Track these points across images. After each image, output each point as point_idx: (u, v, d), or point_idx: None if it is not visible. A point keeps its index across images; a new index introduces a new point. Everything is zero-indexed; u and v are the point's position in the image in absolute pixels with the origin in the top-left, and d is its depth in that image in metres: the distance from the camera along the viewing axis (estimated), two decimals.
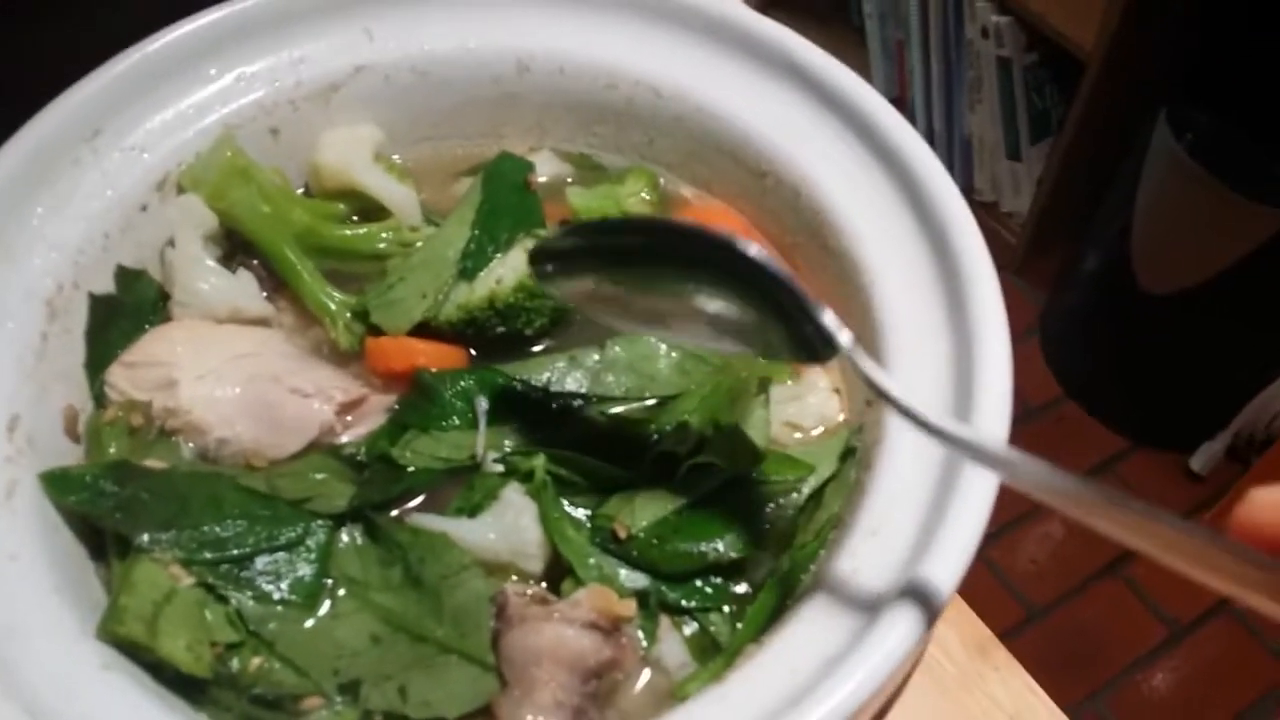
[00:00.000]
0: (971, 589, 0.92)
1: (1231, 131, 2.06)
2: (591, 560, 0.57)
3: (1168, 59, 2.20)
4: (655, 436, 0.60)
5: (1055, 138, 2.56)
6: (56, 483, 0.55)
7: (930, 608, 0.48)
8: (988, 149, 2.76)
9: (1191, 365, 2.34)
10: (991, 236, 2.77)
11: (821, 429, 0.63)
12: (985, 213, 2.80)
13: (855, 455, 0.59)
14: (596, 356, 0.63)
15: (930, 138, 2.82)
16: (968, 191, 2.85)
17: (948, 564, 0.49)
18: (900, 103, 2.45)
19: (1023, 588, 2.30)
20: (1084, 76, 2.34)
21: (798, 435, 0.63)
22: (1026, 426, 2.52)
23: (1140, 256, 2.30)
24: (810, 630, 0.50)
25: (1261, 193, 1.99)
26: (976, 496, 0.51)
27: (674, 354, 0.63)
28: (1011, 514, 2.40)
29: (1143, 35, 2.23)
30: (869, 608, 0.50)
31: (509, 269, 0.64)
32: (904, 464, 0.55)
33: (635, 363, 0.63)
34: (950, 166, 2.84)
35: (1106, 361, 2.52)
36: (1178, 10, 2.16)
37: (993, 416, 0.53)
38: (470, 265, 0.65)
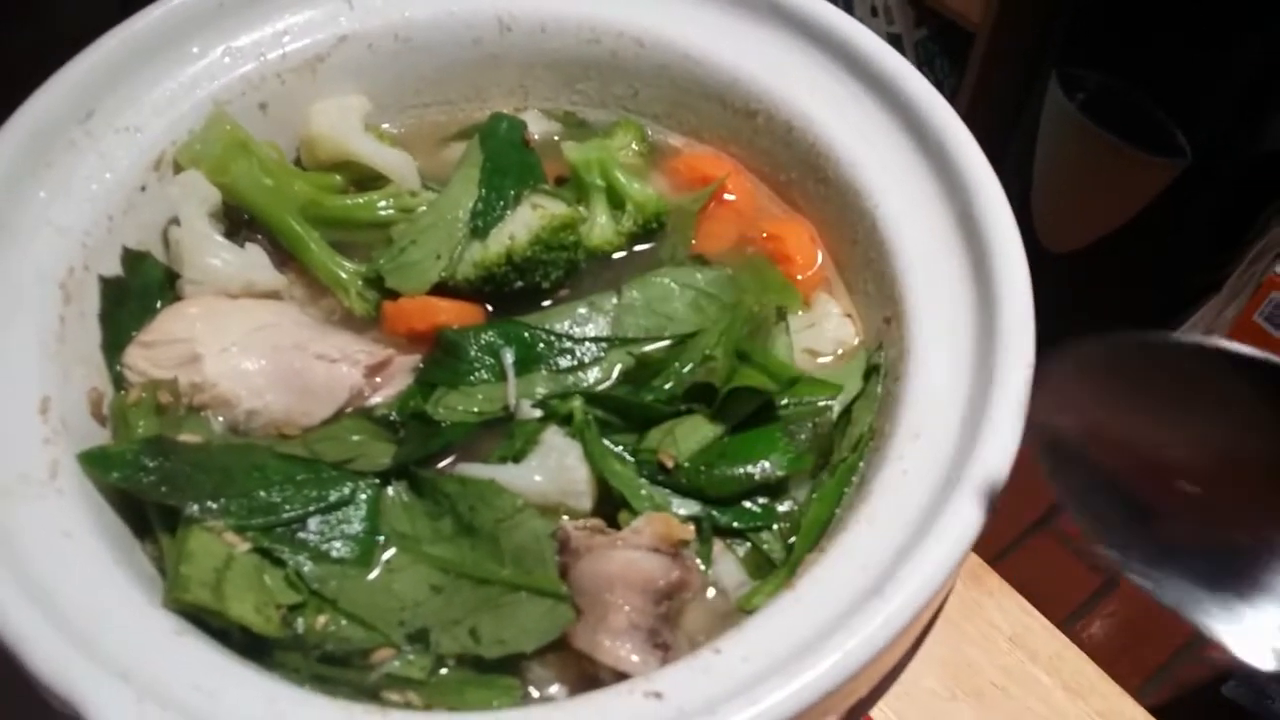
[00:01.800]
0: None
1: (1121, 87, 2.14)
2: (643, 490, 0.58)
3: (1054, 22, 2.28)
4: (684, 371, 0.61)
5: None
6: (97, 461, 0.54)
7: (988, 490, 0.50)
8: None
9: (1094, 321, 2.42)
10: None
11: (840, 352, 0.65)
12: None
13: (880, 371, 0.61)
14: (614, 300, 0.64)
15: None
16: None
17: (997, 449, 0.51)
18: None
19: None
20: (973, 47, 2.42)
21: (819, 360, 0.65)
22: None
23: (1041, 217, 2.37)
24: (872, 529, 0.52)
25: (1154, 145, 2.07)
26: (1013, 386, 0.53)
27: (689, 293, 0.65)
28: None
29: (1026, 2, 2.30)
30: (927, 502, 0.52)
31: (520, 224, 0.65)
32: (934, 370, 0.57)
33: (652, 303, 0.64)
34: None
35: None
36: None
37: (1019, 322, 0.55)
38: (481, 224, 0.65)
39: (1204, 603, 0.40)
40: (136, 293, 0.63)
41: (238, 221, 0.67)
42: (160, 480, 0.54)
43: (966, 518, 0.49)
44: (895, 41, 2.63)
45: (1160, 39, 2.07)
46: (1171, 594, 0.41)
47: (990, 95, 2.48)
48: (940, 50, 2.69)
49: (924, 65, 2.69)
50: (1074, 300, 2.39)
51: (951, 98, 2.59)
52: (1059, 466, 0.43)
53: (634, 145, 0.73)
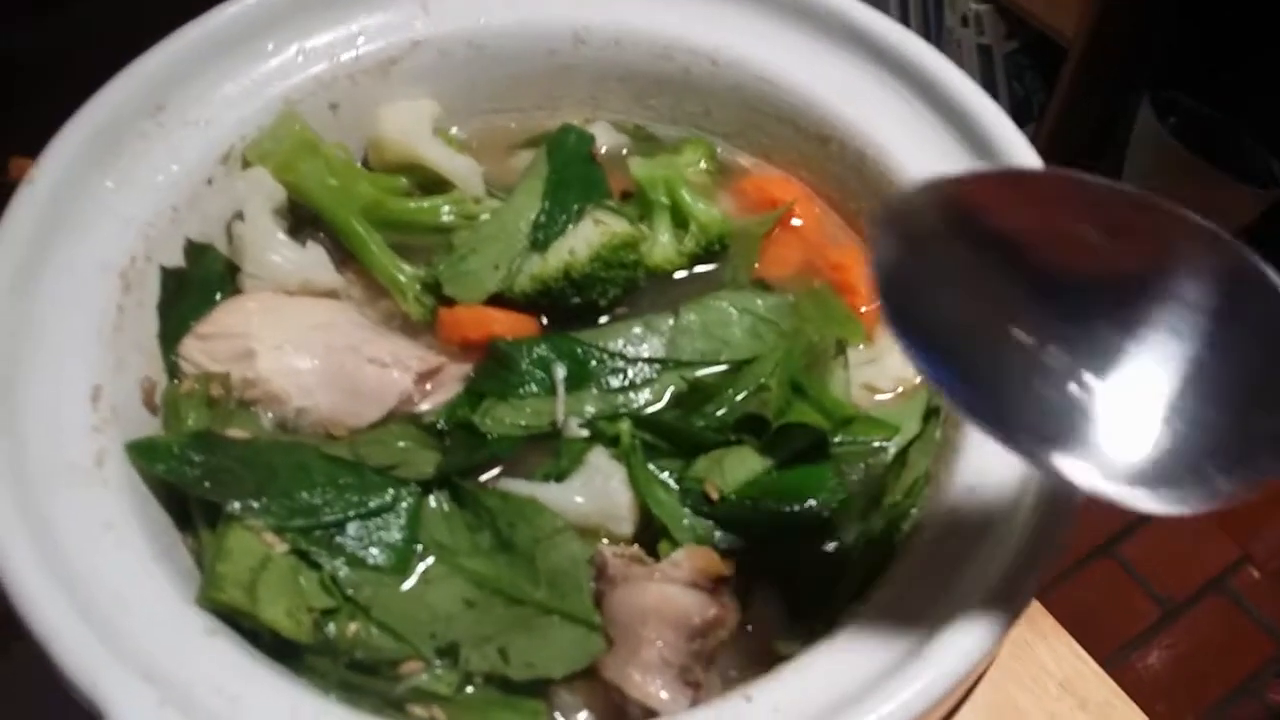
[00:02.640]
0: None
1: (1214, 114, 2.09)
2: (686, 521, 0.57)
3: (1149, 44, 2.22)
4: (737, 399, 0.60)
5: (1036, 124, 2.59)
6: (144, 452, 0.54)
7: (1045, 555, 0.49)
8: None
9: None
10: None
11: (900, 390, 0.63)
12: None
13: (940, 414, 0.60)
14: (670, 322, 0.63)
15: None
16: None
17: (1058, 509, 0.50)
18: None
19: None
20: (1065, 63, 2.36)
21: (877, 397, 0.63)
22: None
23: None
24: (921, 584, 0.50)
25: (1246, 173, 2.02)
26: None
27: (747, 318, 0.63)
28: None
29: (1123, 20, 2.25)
30: (976, 561, 0.50)
31: (581, 239, 0.64)
32: None
33: (709, 327, 0.63)
34: None
35: None
36: None
37: None
38: (542, 237, 0.65)
39: (1049, 448, 0.40)
40: (197, 284, 0.63)
41: (302, 219, 0.67)
42: (205, 475, 0.55)
43: (1019, 584, 0.47)
44: (985, 53, 2.58)
45: (1256, 66, 2.01)
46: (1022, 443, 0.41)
47: (1079, 113, 2.43)
48: (1030, 64, 2.63)
49: (1013, 79, 2.64)
50: None
51: (1039, 113, 2.55)
52: (900, 309, 0.41)
53: (702, 163, 0.72)
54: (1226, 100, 2.06)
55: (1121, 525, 2.38)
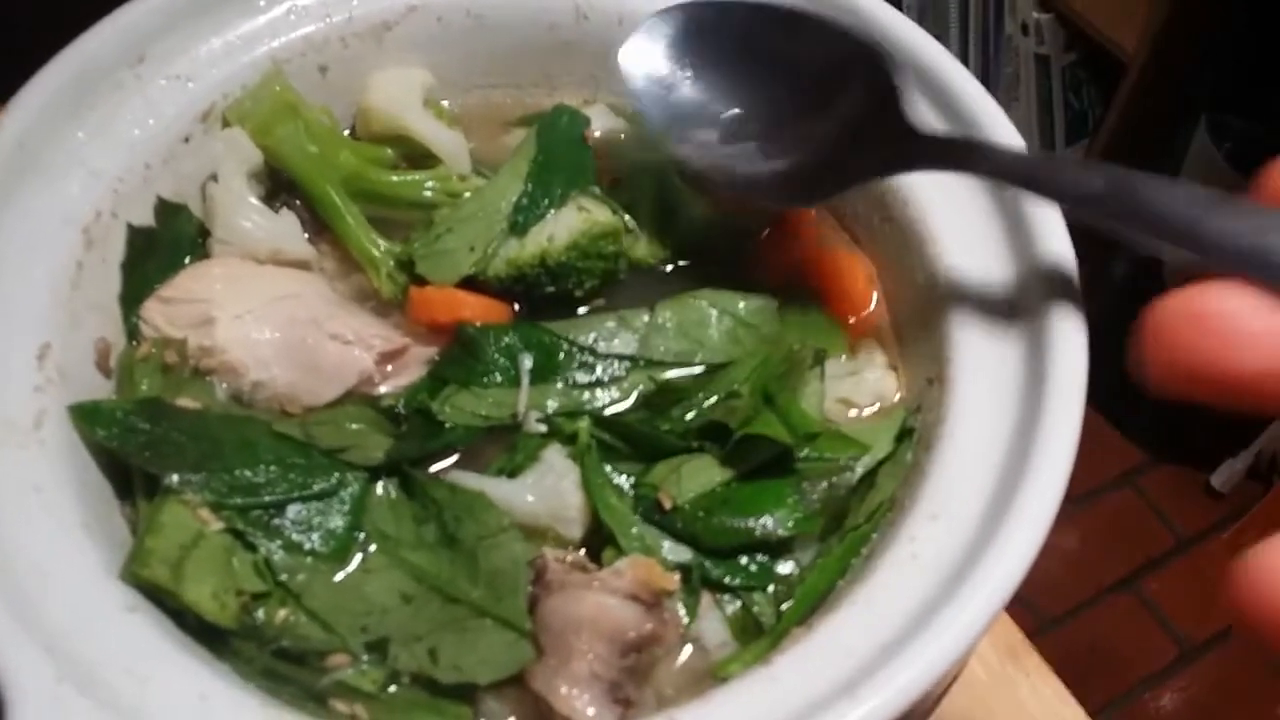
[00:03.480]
0: None
1: (1271, 140, 2.02)
2: (634, 530, 0.54)
3: (1209, 65, 2.17)
4: (705, 404, 0.57)
5: (1091, 139, 2.53)
6: (87, 416, 0.53)
7: (994, 597, 0.46)
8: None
9: None
10: None
11: (877, 407, 0.61)
12: None
13: (913, 436, 0.57)
14: (645, 319, 0.61)
15: None
16: None
17: (1014, 553, 0.47)
18: None
19: (1035, 597, 2.28)
20: (1123, 79, 2.31)
21: (852, 412, 0.61)
22: None
23: (1173, 265, 2.27)
24: (864, 615, 0.48)
25: None
26: (1046, 481, 0.48)
27: (726, 320, 0.61)
28: None
29: (1185, 40, 2.20)
30: (930, 596, 0.47)
31: (562, 226, 0.62)
32: (967, 448, 0.52)
33: (685, 327, 0.61)
34: None
35: (1130, 370, 2.49)
36: (1220, 16, 2.13)
37: (1066, 405, 0.51)
38: (522, 220, 0.62)
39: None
40: (166, 245, 0.61)
41: (280, 185, 0.65)
42: (147, 444, 0.53)
43: (965, 623, 0.45)
44: (1043, 63, 2.53)
45: None
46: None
47: (1134, 131, 2.38)
48: (1089, 77, 2.58)
49: (1070, 91, 2.59)
50: None
51: (1094, 129, 2.49)
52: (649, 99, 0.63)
53: None
54: None
55: (1144, 560, 2.33)
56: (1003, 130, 0.59)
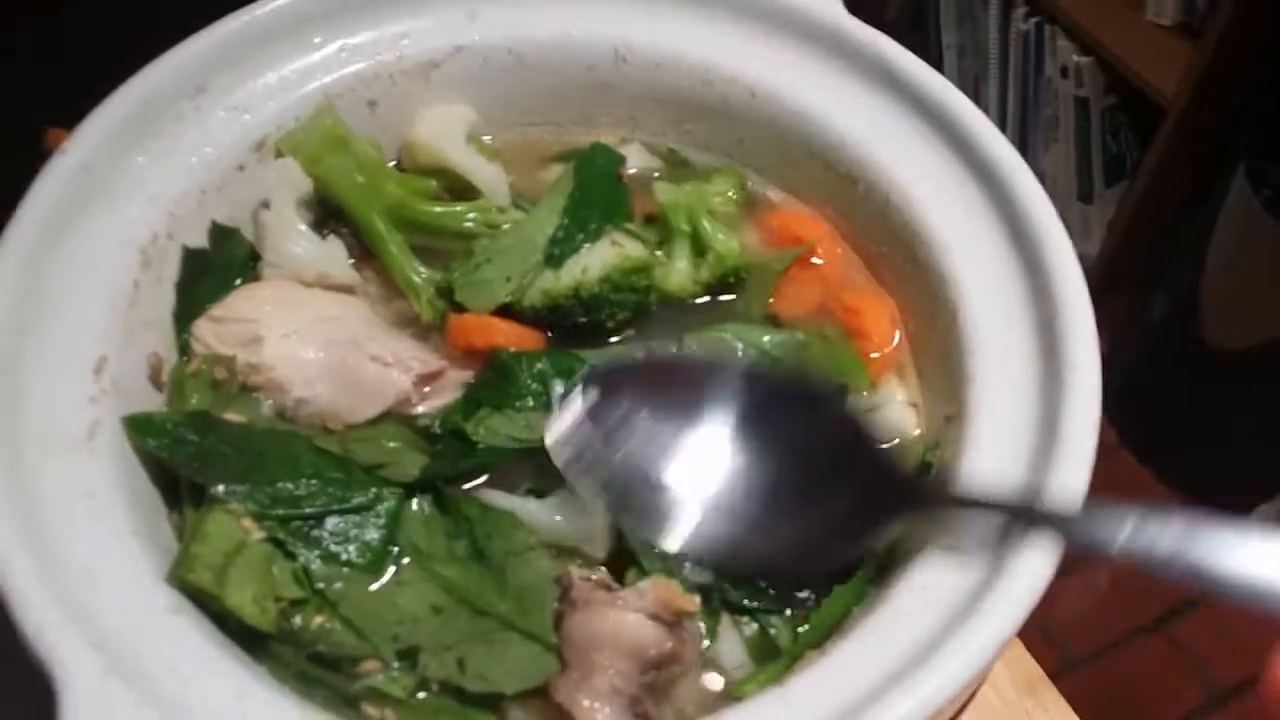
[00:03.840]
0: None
1: None
2: (656, 551, 0.56)
3: (1249, 111, 2.17)
4: None
5: (1129, 182, 2.53)
6: (139, 427, 0.56)
7: (1000, 631, 0.48)
8: (1060, 190, 2.73)
9: (1252, 424, 2.30)
10: None
11: (896, 442, 0.62)
12: None
13: (930, 471, 0.59)
14: (673, 350, 0.63)
15: None
16: None
17: (1021, 589, 0.48)
18: None
19: (1062, 635, 2.27)
20: (1162, 123, 2.32)
21: None
22: None
23: (1209, 309, 2.26)
24: (875, 643, 0.49)
25: None
26: (1055, 527, 0.50)
27: (751, 353, 0.63)
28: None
29: (1225, 86, 2.20)
30: (939, 627, 0.49)
31: (596, 259, 0.64)
32: (981, 483, 0.54)
33: None
34: None
35: (1166, 412, 2.48)
36: (1262, 62, 2.13)
37: (1075, 461, 0.52)
38: (558, 253, 0.65)
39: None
40: (218, 267, 0.65)
41: (328, 213, 0.68)
42: (195, 455, 0.56)
43: (970, 654, 0.46)
44: (1082, 106, 2.54)
45: None
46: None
47: (1172, 175, 2.38)
48: (1127, 121, 2.58)
49: (1108, 134, 2.59)
50: (1228, 396, 2.28)
51: (1133, 172, 2.50)
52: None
53: (731, 193, 0.72)
54: None
55: (1175, 603, 2.32)
56: (1022, 181, 0.61)
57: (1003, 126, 2.76)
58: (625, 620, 0.52)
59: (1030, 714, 0.88)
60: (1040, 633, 2.30)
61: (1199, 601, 2.33)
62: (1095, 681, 2.22)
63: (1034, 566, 0.49)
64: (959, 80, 2.87)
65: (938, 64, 2.88)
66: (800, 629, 0.55)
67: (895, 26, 2.93)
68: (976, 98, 2.83)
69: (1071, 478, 0.51)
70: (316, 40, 0.68)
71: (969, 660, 0.46)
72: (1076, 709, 0.89)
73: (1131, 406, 2.61)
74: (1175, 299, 2.34)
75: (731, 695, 0.53)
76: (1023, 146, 2.75)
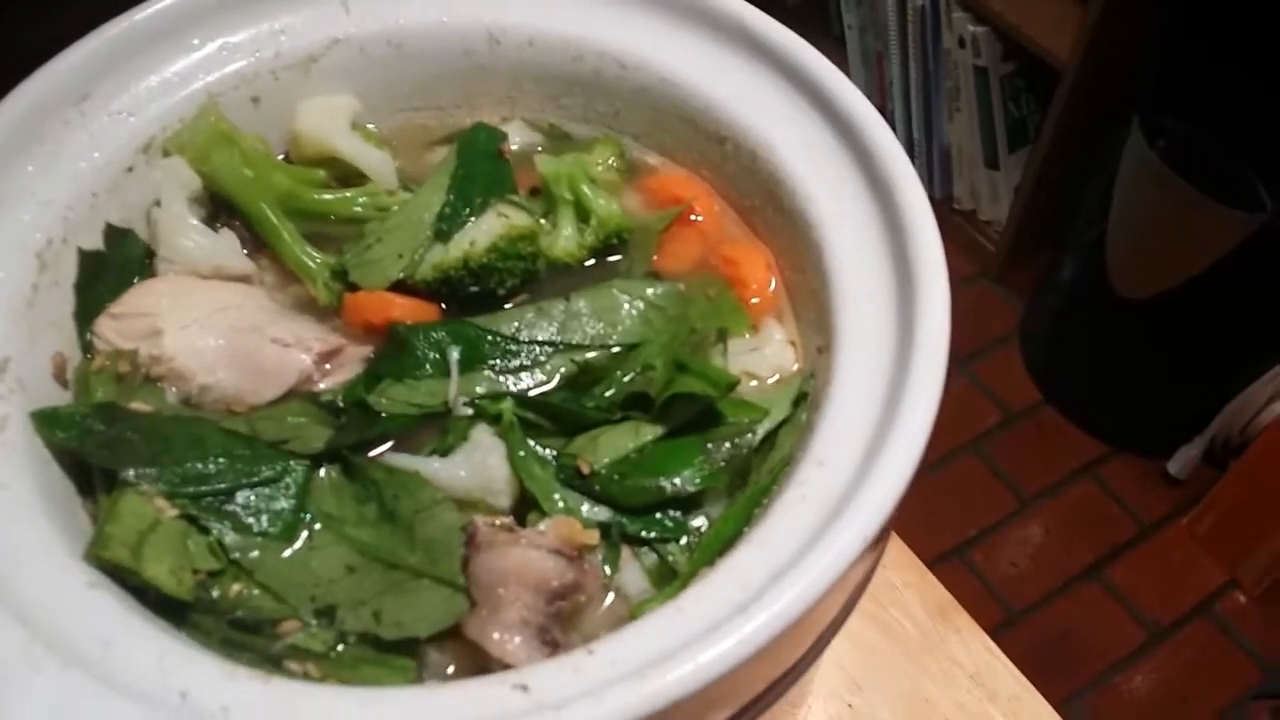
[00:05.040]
0: (953, 590, 0.96)
1: (1203, 138, 2.10)
2: (556, 495, 0.60)
3: (1140, 68, 2.25)
4: (624, 379, 0.63)
5: (1032, 146, 2.61)
6: (47, 421, 0.58)
7: (869, 525, 0.51)
8: (966, 158, 2.81)
9: (1168, 370, 2.38)
10: (970, 244, 2.83)
11: (778, 377, 0.66)
12: (964, 221, 2.85)
13: (808, 400, 0.62)
14: (562, 307, 0.66)
15: (910, 147, 2.87)
16: (947, 200, 2.89)
17: (885, 488, 0.52)
18: (880, 112, 2.52)
19: (1004, 590, 2.33)
20: (1059, 86, 2.39)
21: (754, 383, 0.66)
22: (1007, 431, 2.56)
23: (1116, 263, 2.34)
24: (759, 551, 0.53)
25: (1233, 197, 2.03)
26: (914, 427, 0.54)
27: (638, 304, 0.66)
28: (993, 517, 2.44)
29: (1116, 45, 2.28)
30: (815, 528, 0.53)
31: (482, 231, 0.67)
32: (849, 403, 0.58)
33: (599, 312, 0.66)
34: (929, 175, 2.89)
35: (1085, 367, 2.56)
36: (1149, 21, 2.21)
37: (930, 362, 0.56)
38: (445, 228, 0.68)
39: None
40: (115, 267, 0.66)
41: (219, 208, 0.70)
42: (103, 444, 0.58)
43: (839, 549, 0.50)
44: (981, 75, 2.61)
45: (1245, 92, 2.03)
46: None
47: (1073, 136, 2.46)
48: (1026, 87, 2.66)
49: (1009, 100, 2.67)
50: (1143, 346, 2.36)
51: (1035, 136, 2.57)
52: None
53: (612, 161, 0.75)
54: (1216, 126, 2.08)
55: (1108, 549, 2.39)
56: (873, 127, 0.65)
57: (906, 101, 2.84)
58: (528, 555, 0.55)
59: (943, 637, 0.93)
60: (984, 590, 2.36)
61: (1129, 544, 2.41)
62: (1039, 633, 2.28)
63: (894, 472, 0.53)
64: (861, 59, 2.94)
65: (840, 44, 2.94)
66: (695, 555, 0.59)
67: (797, 11, 2.99)
68: (879, 74, 2.90)
69: (928, 382, 0.55)
70: (195, 41, 0.70)
71: (841, 553, 0.50)
72: (1024, 662, 0.94)
73: (1052, 365, 2.68)
74: (1084, 256, 2.42)
75: (633, 615, 0.56)
76: (927, 118, 2.82)
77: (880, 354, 0.58)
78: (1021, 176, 2.65)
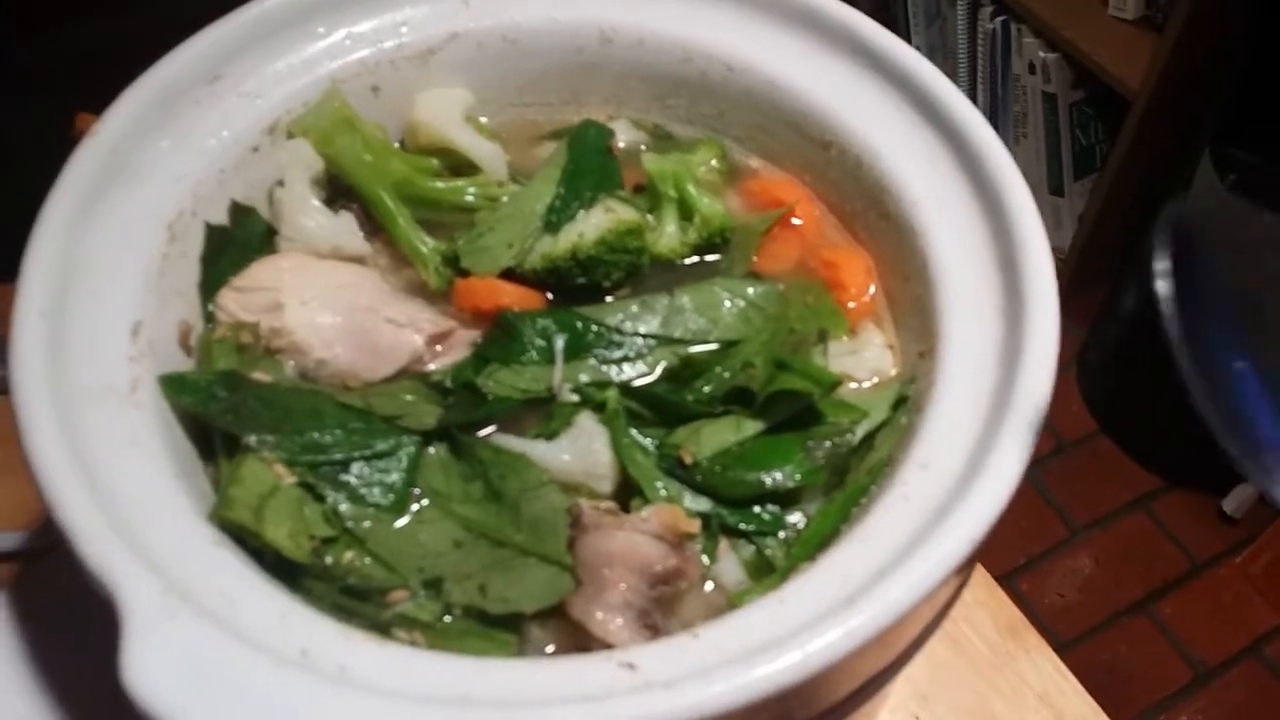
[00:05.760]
0: None
1: (1275, 171, 2.08)
2: (658, 483, 0.61)
3: (1212, 98, 2.23)
4: (724, 374, 0.64)
5: (1098, 174, 2.60)
6: (174, 385, 0.60)
7: (974, 529, 0.52)
8: (1031, 184, 2.78)
9: None
10: None
11: (876, 380, 0.67)
12: None
13: (907, 403, 0.64)
14: (665, 301, 0.68)
15: None
16: None
17: (991, 493, 0.53)
18: None
19: (1049, 620, 2.32)
20: (1129, 114, 2.38)
21: (853, 385, 0.67)
22: (1060, 459, 2.54)
23: None
24: (861, 548, 0.54)
25: None
26: (1018, 435, 0.55)
27: (738, 302, 0.68)
28: (1042, 545, 2.42)
29: (1189, 74, 2.26)
30: (919, 529, 0.54)
31: (591, 224, 0.69)
32: (953, 407, 0.59)
33: (701, 308, 0.67)
34: None
35: (1143, 399, 2.54)
36: (1223, 51, 2.19)
37: (1038, 368, 0.57)
38: (555, 220, 0.70)
39: None
40: (238, 242, 0.69)
41: (338, 190, 0.73)
42: (227, 409, 0.60)
43: (945, 550, 0.51)
44: (1050, 101, 2.61)
45: None
46: None
47: (1140, 165, 2.45)
48: (1095, 114, 2.65)
49: (1077, 128, 2.66)
50: None
51: (1102, 164, 2.56)
52: None
53: (714, 163, 0.77)
54: None
55: (1158, 584, 2.37)
56: (981, 133, 0.66)
57: None
58: (633, 539, 0.56)
59: (1013, 655, 0.93)
60: (1030, 619, 2.34)
61: (1180, 581, 2.39)
62: (1083, 665, 2.26)
63: (1001, 478, 0.54)
64: None
65: None
66: (793, 549, 0.60)
67: None
68: None
69: (1036, 388, 0.56)
70: (321, 29, 0.72)
71: (946, 556, 0.51)
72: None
73: (1109, 395, 2.66)
74: (1148, 286, 2.40)
75: (732, 604, 0.58)
76: None
77: (985, 361, 0.59)
78: (1086, 204, 2.64)
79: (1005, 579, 2.37)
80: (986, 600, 0.96)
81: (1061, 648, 2.24)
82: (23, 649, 0.60)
